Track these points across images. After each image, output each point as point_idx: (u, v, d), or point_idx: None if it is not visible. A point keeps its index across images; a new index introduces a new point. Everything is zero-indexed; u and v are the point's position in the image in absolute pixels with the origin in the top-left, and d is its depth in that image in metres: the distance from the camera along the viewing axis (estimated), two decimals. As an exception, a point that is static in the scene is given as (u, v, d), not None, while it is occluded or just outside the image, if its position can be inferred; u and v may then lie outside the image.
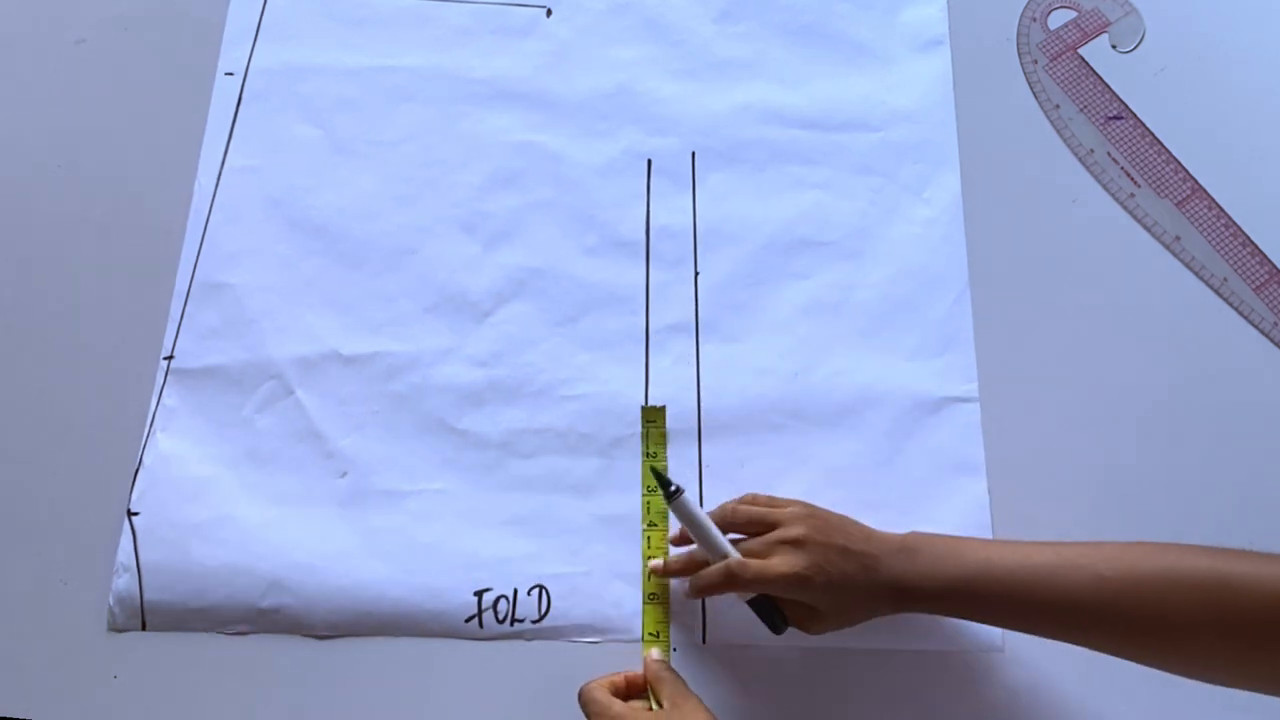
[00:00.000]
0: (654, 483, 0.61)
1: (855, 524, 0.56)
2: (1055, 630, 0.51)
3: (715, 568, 0.55)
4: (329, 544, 0.61)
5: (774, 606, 0.55)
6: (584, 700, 0.52)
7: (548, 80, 0.73)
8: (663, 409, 0.64)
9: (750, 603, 0.55)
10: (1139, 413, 0.65)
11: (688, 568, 0.58)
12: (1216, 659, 0.47)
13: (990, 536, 0.61)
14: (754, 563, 0.54)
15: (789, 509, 0.56)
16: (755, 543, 0.55)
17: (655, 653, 0.57)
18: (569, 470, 0.63)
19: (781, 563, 0.53)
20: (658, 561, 0.60)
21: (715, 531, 0.56)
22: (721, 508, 0.58)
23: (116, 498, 0.62)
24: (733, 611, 0.59)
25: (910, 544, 0.54)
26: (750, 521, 0.57)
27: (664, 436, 0.64)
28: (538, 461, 0.63)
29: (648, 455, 0.63)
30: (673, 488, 0.56)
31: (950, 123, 0.72)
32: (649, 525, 0.61)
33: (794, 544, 0.53)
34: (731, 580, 0.54)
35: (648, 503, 0.62)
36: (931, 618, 0.59)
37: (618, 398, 0.65)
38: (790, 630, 0.57)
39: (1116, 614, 0.48)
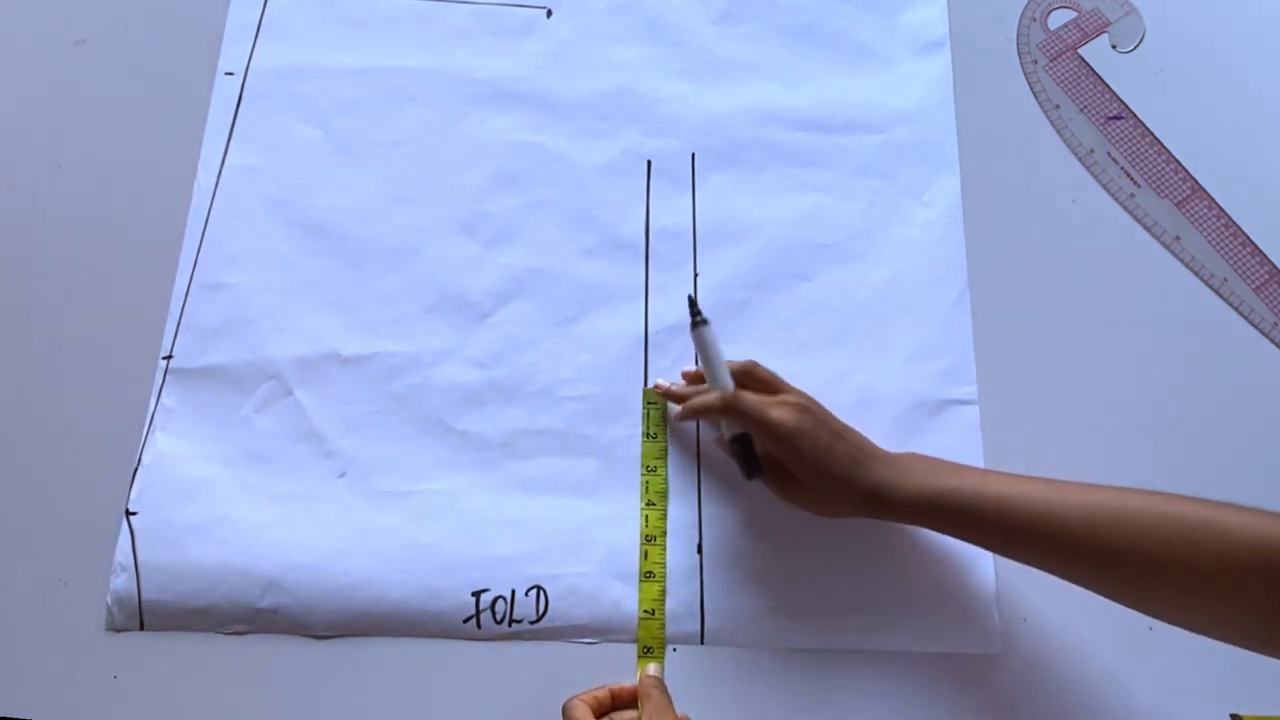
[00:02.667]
0: (653, 463, 0.62)
1: (858, 433, 0.57)
2: (1036, 554, 0.52)
3: (714, 394, 0.58)
4: (327, 544, 0.61)
5: (753, 451, 0.57)
6: (565, 716, 0.52)
7: (548, 81, 0.73)
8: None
9: (732, 440, 0.58)
10: (1139, 413, 0.65)
11: (687, 396, 0.60)
12: (1190, 600, 0.48)
13: (990, 538, 0.61)
14: (752, 398, 0.56)
15: (800, 390, 0.59)
16: (758, 396, 0.57)
17: (652, 668, 0.57)
18: (568, 471, 0.63)
19: (777, 412, 0.55)
20: (662, 381, 0.63)
21: (725, 368, 0.59)
22: (748, 360, 0.60)
23: (115, 497, 0.61)
24: (730, 612, 0.60)
25: (907, 459, 0.56)
26: (763, 380, 0.59)
27: (665, 418, 0.64)
28: (537, 462, 0.63)
29: (648, 436, 0.63)
30: (700, 317, 0.60)
31: (950, 125, 0.72)
32: (647, 504, 0.62)
33: (795, 405, 0.56)
34: (727, 407, 0.57)
35: (646, 482, 0.62)
36: (927, 618, 0.59)
37: (617, 399, 0.65)
38: (786, 631, 0.57)
39: (1100, 545, 0.49)
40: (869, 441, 0.57)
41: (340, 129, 0.71)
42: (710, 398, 0.58)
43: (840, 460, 0.54)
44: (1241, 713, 0.55)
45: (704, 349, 0.59)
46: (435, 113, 0.72)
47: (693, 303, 0.61)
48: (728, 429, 0.59)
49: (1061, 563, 0.51)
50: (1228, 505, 0.48)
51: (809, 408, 0.56)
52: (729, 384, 0.58)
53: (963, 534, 0.54)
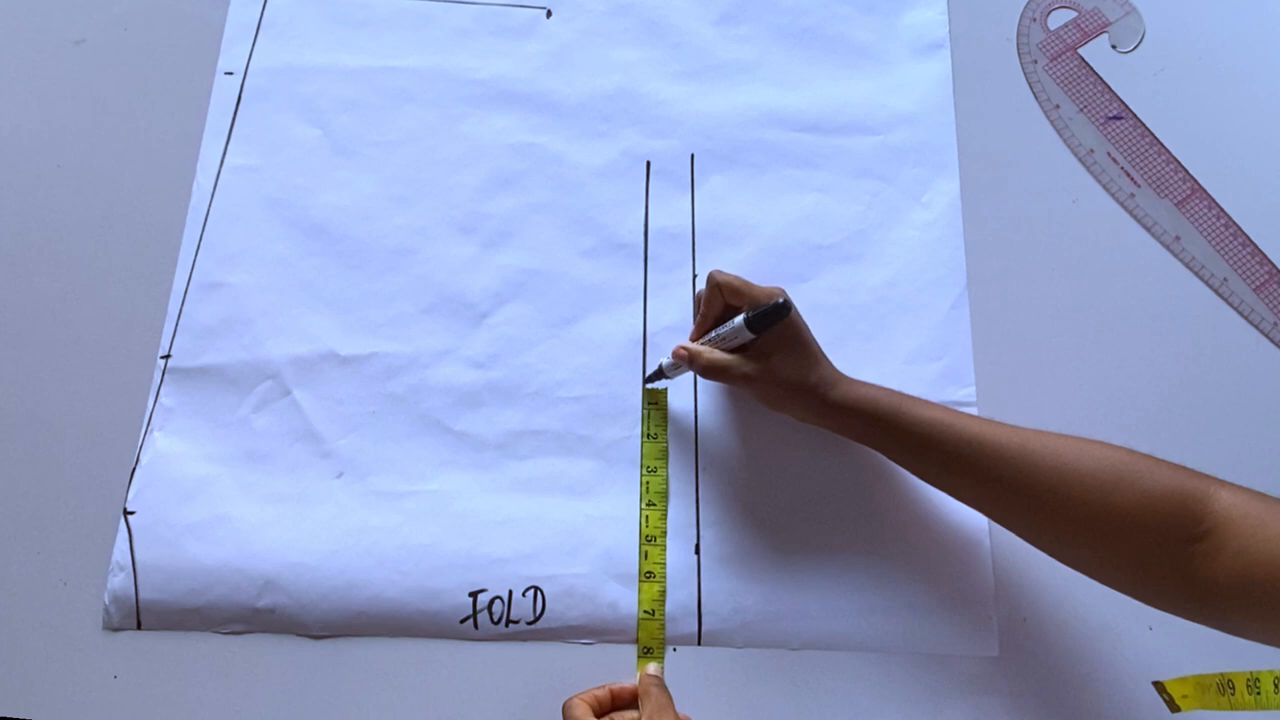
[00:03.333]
0: (654, 464, 0.63)
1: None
2: (960, 477, 0.54)
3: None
4: (324, 544, 0.61)
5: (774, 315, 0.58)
6: (565, 715, 0.53)
7: (547, 81, 0.73)
8: (664, 390, 0.65)
9: (754, 315, 0.57)
10: (1139, 413, 0.64)
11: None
12: (1100, 537, 0.50)
13: (988, 542, 0.61)
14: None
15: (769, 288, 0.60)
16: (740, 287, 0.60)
17: (652, 668, 0.58)
18: (565, 472, 0.63)
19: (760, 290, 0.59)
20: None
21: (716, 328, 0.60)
22: (709, 279, 0.61)
23: (113, 497, 0.62)
24: (728, 614, 0.59)
25: (856, 381, 0.58)
26: (731, 287, 0.60)
27: (665, 418, 0.64)
28: (534, 463, 0.63)
29: (648, 437, 0.63)
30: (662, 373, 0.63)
31: (950, 126, 0.72)
32: (647, 505, 0.62)
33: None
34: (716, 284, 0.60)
35: (646, 483, 0.62)
36: (926, 620, 0.59)
37: (615, 400, 0.65)
38: (785, 632, 0.57)
39: (1028, 471, 0.51)
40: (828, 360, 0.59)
41: (339, 129, 0.71)
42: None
43: (796, 366, 0.57)
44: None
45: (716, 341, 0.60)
46: (434, 113, 0.72)
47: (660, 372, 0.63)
48: (749, 308, 0.58)
49: (987, 488, 0.53)
50: (1156, 459, 0.50)
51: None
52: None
53: (894, 444, 0.56)
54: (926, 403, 0.55)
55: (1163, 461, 0.50)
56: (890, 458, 0.57)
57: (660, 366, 0.62)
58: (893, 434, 0.55)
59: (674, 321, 0.66)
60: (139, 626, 0.59)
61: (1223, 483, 0.48)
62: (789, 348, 0.57)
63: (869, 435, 0.57)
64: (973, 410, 0.64)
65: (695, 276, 0.68)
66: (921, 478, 0.57)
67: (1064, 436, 0.52)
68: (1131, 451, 0.50)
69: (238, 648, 0.59)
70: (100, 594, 0.60)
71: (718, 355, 0.59)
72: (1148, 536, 0.48)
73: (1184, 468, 0.49)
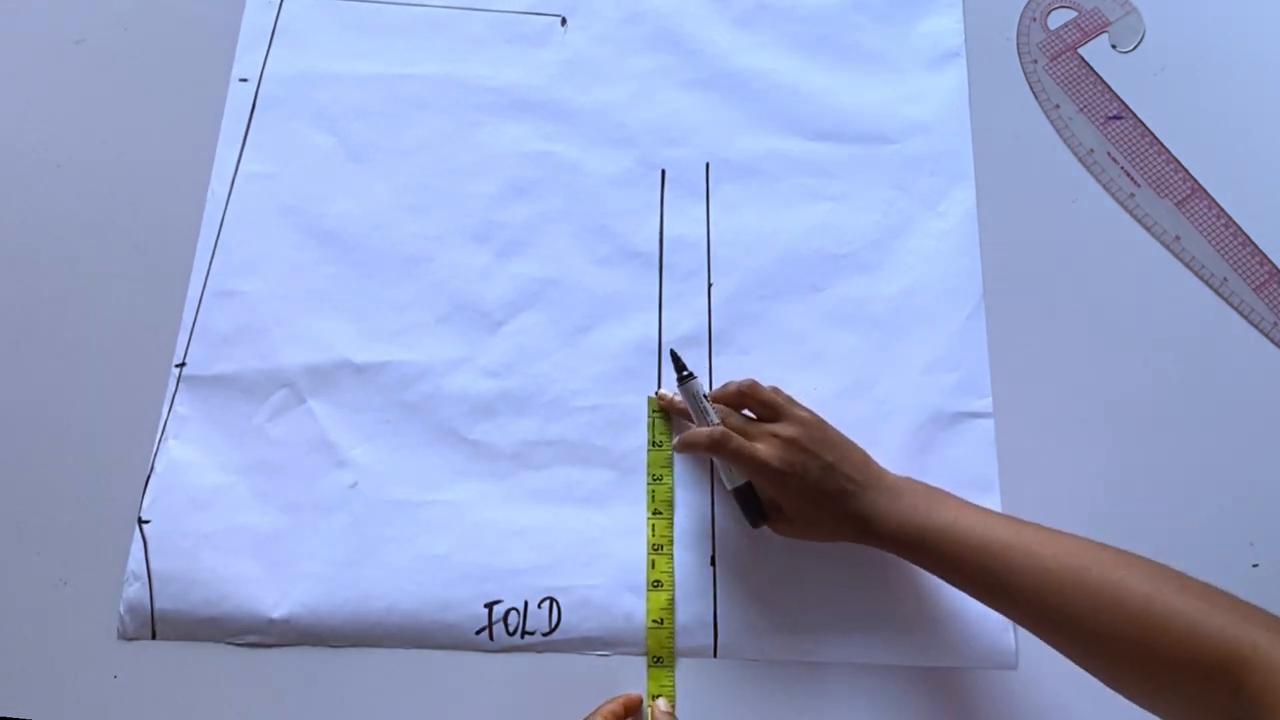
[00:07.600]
0: (659, 471, 0.62)
1: (859, 451, 0.57)
2: (993, 602, 0.52)
3: (704, 429, 0.58)
4: (339, 554, 0.60)
5: (756, 499, 0.59)
6: None
7: (562, 90, 0.73)
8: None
9: (735, 491, 0.59)
10: (1140, 415, 0.64)
11: (685, 410, 0.61)
12: (1134, 680, 0.47)
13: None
14: (739, 438, 0.56)
15: (801, 412, 0.58)
16: (751, 427, 0.58)
17: (662, 703, 0.57)
18: (580, 482, 0.63)
19: (765, 450, 0.55)
20: (665, 391, 0.64)
21: (714, 414, 0.59)
22: (747, 380, 0.60)
23: (128, 505, 0.61)
24: (744, 626, 0.59)
25: (899, 486, 0.55)
26: (764, 404, 0.59)
27: (670, 426, 0.64)
28: (549, 473, 0.63)
29: (654, 445, 0.63)
30: (686, 372, 0.61)
31: (966, 134, 0.72)
32: (654, 514, 0.62)
33: (785, 440, 0.55)
34: (714, 445, 0.57)
35: (652, 491, 0.62)
36: (944, 633, 0.59)
37: (630, 409, 0.64)
38: (801, 645, 0.56)
39: (1051, 609, 0.48)
40: (864, 463, 0.56)
41: (354, 136, 0.71)
42: (699, 434, 0.58)
43: (828, 496, 0.55)
44: None
45: (692, 402, 0.60)
46: (449, 121, 0.72)
47: (676, 358, 0.61)
48: (728, 480, 0.59)
49: (1016, 615, 0.51)
50: (1199, 594, 0.45)
51: (798, 440, 0.55)
52: (718, 424, 0.59)
53: (928, 569, 0.54)
54: (971, 516, 0.53)
55: (1202, 593, 0.45)
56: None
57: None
58: (926, 564, 0.54)
59: (689, 330, 0.66)
60: (154, 636, 0.59)
61: (1272, 636, 0.42)
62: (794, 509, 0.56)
63: (915, 562, 0.55)
64: (988, 422, 0.64)
65: (710, 285, 0.67)
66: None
67: (1090, 552, 0.49)
68: (1165, 578, 0.47)
69: (252, 658, 0.59)
70: (113, 602, 0.59)
71: (750, 447, 0.56)
72: (1189, 693, 0.44)
73: (1227, 603, 0.45)
